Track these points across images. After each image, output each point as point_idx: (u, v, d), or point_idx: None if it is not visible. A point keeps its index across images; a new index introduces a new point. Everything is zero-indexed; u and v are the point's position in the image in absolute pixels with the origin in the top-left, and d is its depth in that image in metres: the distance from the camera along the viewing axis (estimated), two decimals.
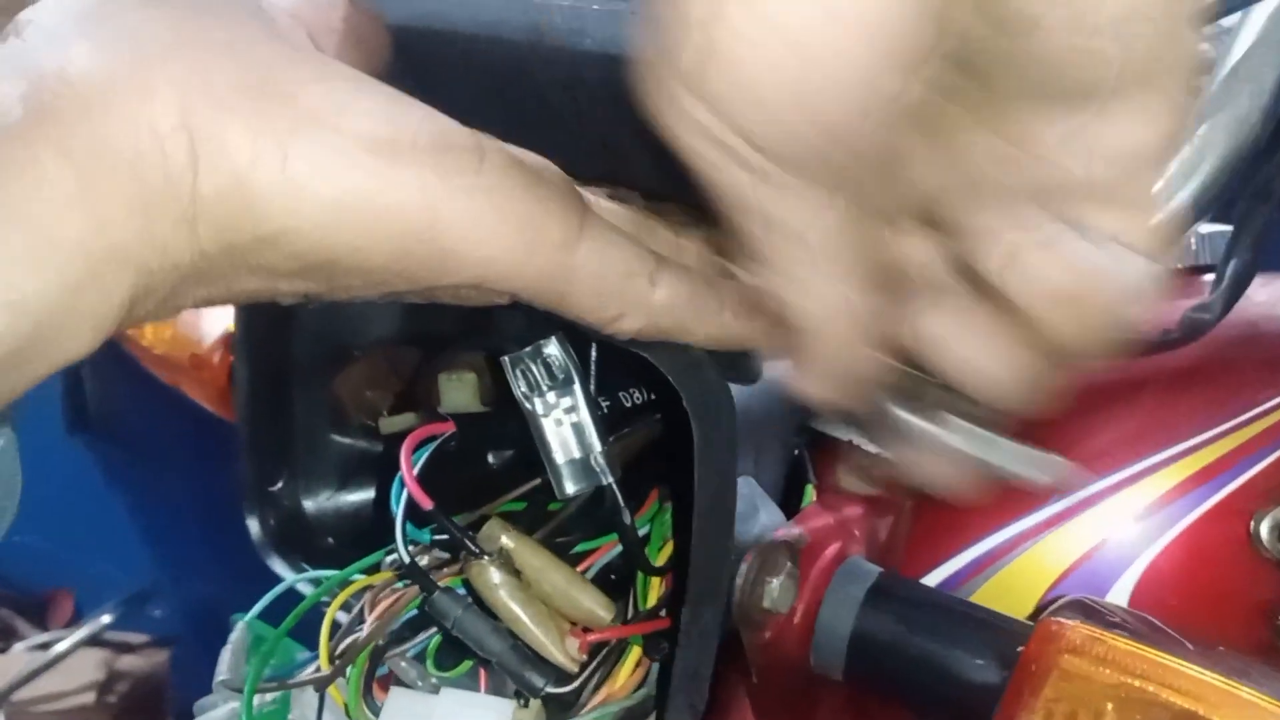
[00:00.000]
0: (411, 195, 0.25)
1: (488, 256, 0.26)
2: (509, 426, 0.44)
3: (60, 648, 1.36)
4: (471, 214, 0.25)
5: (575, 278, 0.27)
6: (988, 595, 0.44)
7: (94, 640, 1.38)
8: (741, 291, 0.30)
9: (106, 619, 1.38)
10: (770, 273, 0.24)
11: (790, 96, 0.21)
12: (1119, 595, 0.43)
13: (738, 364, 0.34)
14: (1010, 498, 0.45)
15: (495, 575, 0.34)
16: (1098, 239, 0.23)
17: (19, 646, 1.41)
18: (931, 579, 0.44)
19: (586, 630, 0.35)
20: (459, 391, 0.44)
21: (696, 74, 0.21)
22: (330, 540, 0.46)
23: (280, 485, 0.45)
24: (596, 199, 0.29)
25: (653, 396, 0.42)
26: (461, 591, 0.36)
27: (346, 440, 0.46)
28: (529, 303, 0.28)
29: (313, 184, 0.24)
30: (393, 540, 0.41)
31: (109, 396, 1.27)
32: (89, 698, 1.35)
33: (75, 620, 1.45)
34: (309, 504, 0.46)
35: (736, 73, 0.21)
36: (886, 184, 0.24)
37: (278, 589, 0.43)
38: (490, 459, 0.46)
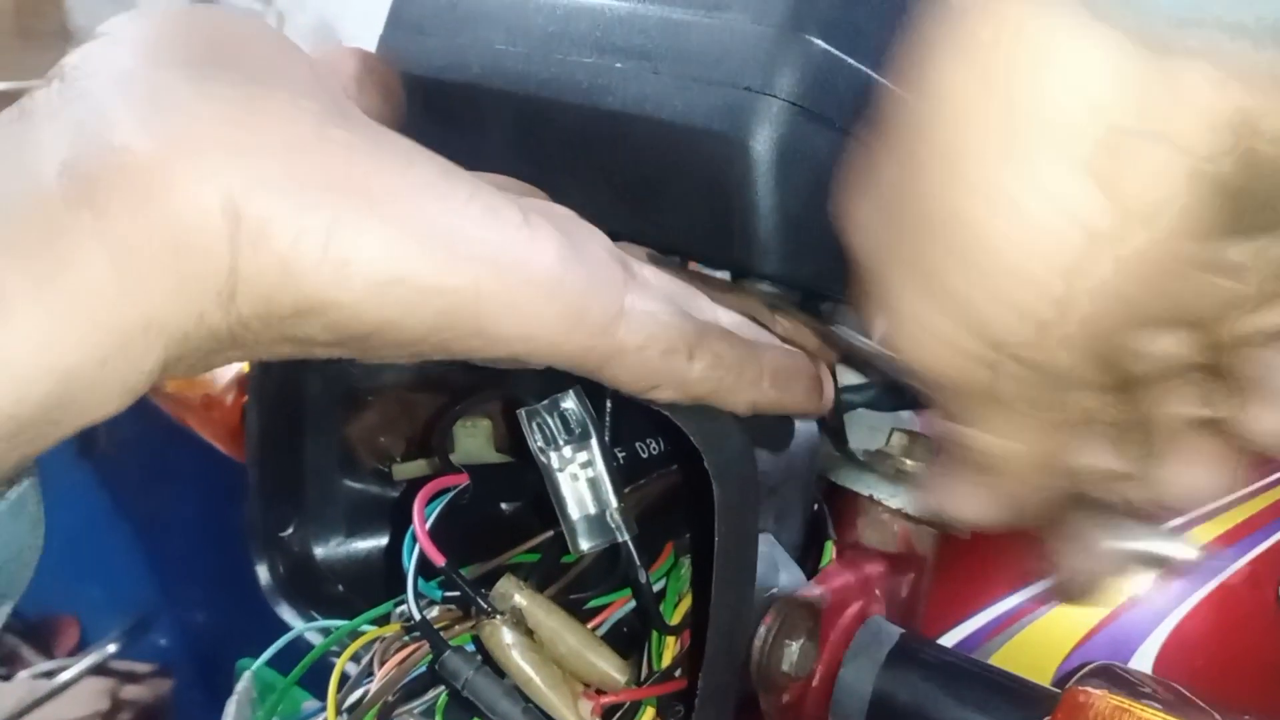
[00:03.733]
0: (456, 279, 0.24)
1: (527, 335, 0.25)
2: (523, 476, 0.43)
3: (65, 676, 1.35)
4: (514, 298, 0.25)
5: (614, 354, 0.27)
6: (1007, 656, 0.43)
7: (99, 669, 1.37)
8: (780, 359, 0.29)
9: (112, 648, 1.37)
10: (966, 433, 0.24)
11: (1046, 304, 0.21)
12: (1143, 660, 0.42)
13: (768, 431, 0.33)
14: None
15: (508, 635, 0.33)
16: None
17: (23, 674, 1.40)
18: (950, 638, 0.43)
19: (600, 692, 0.34)
20: (473, 439, 0.44)
21: (941, 279, 0.22)
22: (340, 587, 0.45)
23: (290, 531, 0.45)
24: (639, 264, 0.29)
25: (670, 446, 0.42)
26: (472, 649, 0.36)
27: (358, 485, 0.46)
28: (563, 370, 0.27)
29: (354, 265, 0.24)
30: (403, 589, 0.40)
31: (118, 425, 1.27)
32: None
33: (81, 647, 1.44)
34: (319, 550, 0.45)
35: (988, 279, 0.21)
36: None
37: (286, 638, 0.42)
38: (503, 508, 0.45)
